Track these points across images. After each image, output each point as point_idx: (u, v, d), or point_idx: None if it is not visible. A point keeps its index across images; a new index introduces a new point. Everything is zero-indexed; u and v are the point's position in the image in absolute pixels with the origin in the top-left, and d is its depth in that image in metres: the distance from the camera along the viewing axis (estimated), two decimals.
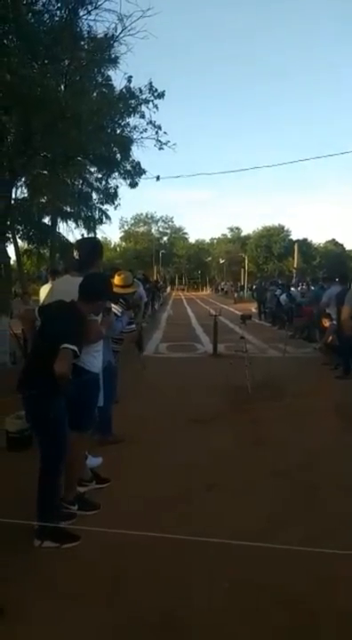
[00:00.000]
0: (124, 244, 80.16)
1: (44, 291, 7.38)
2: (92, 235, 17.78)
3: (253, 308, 22.85)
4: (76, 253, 3.60)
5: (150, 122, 13.48)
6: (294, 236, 65.03)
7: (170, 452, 4.75)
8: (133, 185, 14.58)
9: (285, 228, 72.64)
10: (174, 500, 3.70)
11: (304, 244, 62.76)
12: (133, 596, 2.58)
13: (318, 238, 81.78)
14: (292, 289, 18.73)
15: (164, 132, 13.83)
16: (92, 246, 3.77)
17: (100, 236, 23.82)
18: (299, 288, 18.57)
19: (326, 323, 9.16)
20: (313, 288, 13.99)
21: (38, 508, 3.03)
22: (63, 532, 3.02)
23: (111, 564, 2.83)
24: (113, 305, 4.33)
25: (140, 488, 3.91)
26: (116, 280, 5.05)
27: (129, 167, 14.22)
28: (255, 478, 4.13)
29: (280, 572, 2.74)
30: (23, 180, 14.34)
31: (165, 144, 13.85)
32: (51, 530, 2.95)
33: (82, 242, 4.33)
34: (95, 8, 10.40)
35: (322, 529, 3.24)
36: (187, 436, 5.30)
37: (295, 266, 39.12)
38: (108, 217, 18.28)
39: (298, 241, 49.04)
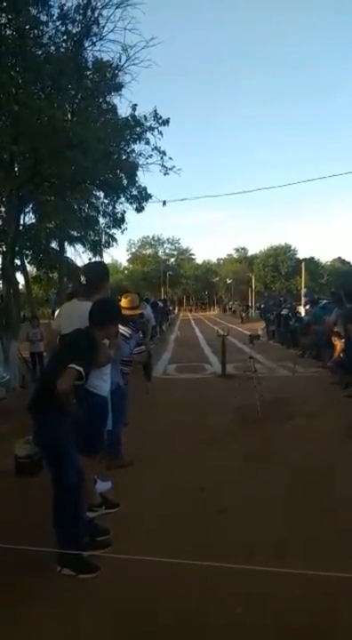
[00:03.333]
0: (131, 266, 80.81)
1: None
2: (98, 258, 17.95)
3: (261, 327, 22.82)
4: (82, 278, 3.64)
5: (155, 148, 13.71)
6: (301, 255, 65.24)
7: (180, 475, 4.71)
8: (140, 209, 14.73)
9: (292, 247, 73.10)
10: (185, 524, 3.65)
11: (311, 262, 62.86)
12: (144, 623, 2.54)
13: (325, 256, 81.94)
14: (300, 308, 18.70)
15: (170, 158, 14.05)
16: (98, 271, 3.81)
17: (108, 258, 24.07)
18: (307, 307, 18.54)
19: (337, 341, 9.12)
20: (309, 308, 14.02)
21: (57, 534, 3.01)
22: (83, 562, 2.99)
23: (119, 590, 2.79)
24: (121, 327, 4.36)
25: (150, 512, 3.88)
26: (123, 302, 5.09)
27: (135, 192, 14.40)
28: (267, 501, 4.07)
29: (294, 596, 2.68)
30: (31, 206, 14.58)
31: (170, 169, 14.07)
32: (71, 558, 2.93)
33: (88, 266, 4.38)
34: (100, 39, 10.72)
35: (336, 552, 3.18)
36: (197, 457, 5.26)
37: (303, 285, 39.09)
38: (115, 240, 18.43)
39: (305, 259, 49.12)
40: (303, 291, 28.80)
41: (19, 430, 4.82)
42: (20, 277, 17.62)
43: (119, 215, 15.78)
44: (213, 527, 3.64)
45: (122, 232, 16.85)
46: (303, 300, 21.47)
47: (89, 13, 10.13)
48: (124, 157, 13.56)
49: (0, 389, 7.46)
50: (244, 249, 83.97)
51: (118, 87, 12.62)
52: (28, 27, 9.28)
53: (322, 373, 10.59)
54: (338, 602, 2.63)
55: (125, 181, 13.91)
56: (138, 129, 12.99)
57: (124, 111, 13.82)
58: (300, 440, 5.82)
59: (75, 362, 2.83)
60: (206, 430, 6.22)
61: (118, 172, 13.29)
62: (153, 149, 13.62)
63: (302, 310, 17.41)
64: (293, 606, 2.62)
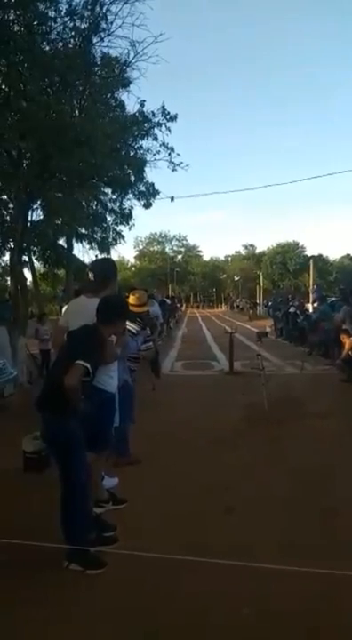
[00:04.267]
0: (138, 262, 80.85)
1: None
2: (106, 255, 17.95)
3: (269, 325, 22.73)
4: (90, 275, 3.63)
5: (163, 144, 13.70)
6: (309, 252, 64.92)
7: (187, 473, 4.70)
8: (147, 206, 14.73)
9: (300, 244, 72.74)
10: (192, 522, 3.64)
11: (319, 259, 62.51)
12: (149, 621, 2.53)
13: (334, 254, 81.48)
14: (308, 305, 18.61)
15: (177, 154, 14.03)
16: (106, 267, 3.80)
17: (115, 255, 24.06)
18: (315, 304, 18.44)
19: (345, 339, 9.06)
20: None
21: (65, 531, 3.01)
22: (91, 558, 2.99)
23: (126, 586, 2.79)
24: (129, 324, 4.35)
25: (158, 510, 3.87)
26: (131, 299, 5.07)
27: (143, 188, 14.39)
28: (274, 500, 4.05)
29: (301, 597, 2.66)
30: (39, 202, 14.60)
31: (178, 165, 14.05)
32: (79, 553, 2.94)
33: (96, 263, 4.38)
34: (108, 35, 10.68)
35: (343, 554, 3.15)
36: (203, 455, 5.25)
37: (311, 282, 38.85)
38: (122, 237, 18.44)
39: (313, 257, 48.85)
40: (311, 288, 28.62)
41: (27, 426, 4.82)
42: (27, 274, 17.69)
43: (127, 211, 15.79)
44: (219, 526, 3.62)
45: (129, 228, 16.87)
46: (311, 297, 21.38)
47: (97, 9, 10.10)
48: (131, 153, 13.55)
49: (8, 385, 7.48)
50: (252, 246, 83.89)
51: (126, 83, 12.60)
52: (36, 23, 9.27)
53: (330, 371, 10.53)
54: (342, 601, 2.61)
55: (133, 177, 13.91)
56: (146, 125, 12.98)
57: (131, 107, 13.82)
58: (308, 439, 5.79)
59: (82, 358, 2.82)
60: (213, 428, 6.20)
61: (126, 168, 13.28)
62: (161, 145, 13.61)
63: (310, 307, 17.33)
64: (298, 606, 2.60)
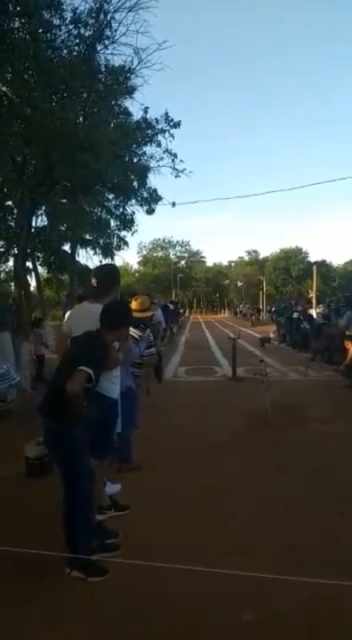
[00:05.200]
0: (142, 268, 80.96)
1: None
2: (109, 261, 18.00)
3: (272, 330, 22.69)
4: (93, 280, 3.63)
5: (166, 150, 13.79)
6: (313, 258, 64.85)
7: (190, 479, 4.69)
8: (150, 212, 14.81)
9: (303, 250, 72.74)
10: (194, 529, 3.63)
11: (323, 265, 62.41)
12: (148, 624, 2.52)
13: (337, 259, 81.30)
14: (312, 310, 18.58)
15: (181, 160, 14.12)
16: (108, 273, 3.80)
17: (119, 261, 24.11)
18: (319, 310, 18.43)
19: (349, 345, 9.03)
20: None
21: (67, 537, 3.00)
22: (93, 565, 2.98)
23: (127, 595, 2.77)
24: (132, 329, 4.35)
25: (160, 516, 3.85)
26: (134, 305, 5.06)
27: (146, 194, 14.48)
28: (276, 506, 4.03)
29: (303, 605, 2.64)
30: (43, 208, 14.68)
31: (181, 172, 14.12)
32: (80, 560, 2.92)
33: (99, 269, 4.38)
34: (112, 43, 10.77)
35: (347, 561, 3.13)
36: (207, 461, 5.23)
37: (314, 288, 38.79)
38: (125, 243, 18.49)
39: (316, 262, 48.79)
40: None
41: (29, 432, 4.83)
42: (31, 279, 17.74)
43: (129, 217, 15.86)
44: (222, 531, 3.60)
45: (132, 234, 16.95)
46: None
47: (101, 17, 10.21)
48: (135, 160, 13.63)
49: (11, 391, 7.48)
50: (255, 251, 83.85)
51: (130, 90, 12.69)
52: (40, 30, 9.35)
53: (334, 377, 10.49)
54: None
55: (136, 184, 13.98)
56: (149, 132, 13.06)
57: (136, 114, 13.91)
58: (311, 445, 5.76)
59: (84, 364, 2.82)
60: (216, 434, 6.18)
61: (129, 174, 13.35)
62: (164, 152, 13.69)
63: (314, 313, 17.30)
64: (298, 606, 2.59)
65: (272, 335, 20.52)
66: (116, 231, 17.75)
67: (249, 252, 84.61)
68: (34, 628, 2.48)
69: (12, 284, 13.00)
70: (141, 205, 14.97)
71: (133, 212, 15.80)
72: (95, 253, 19.26)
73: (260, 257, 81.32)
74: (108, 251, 18.45)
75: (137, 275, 76.73)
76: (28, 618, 2.56)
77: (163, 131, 13.35)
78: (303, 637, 2.46)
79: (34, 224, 13.75)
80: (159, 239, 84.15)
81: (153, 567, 2.70)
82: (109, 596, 2.77)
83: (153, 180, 19.48)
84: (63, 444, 2.99)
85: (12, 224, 13.71)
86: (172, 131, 13.47)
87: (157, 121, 13.09)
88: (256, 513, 3.90)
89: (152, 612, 2.63)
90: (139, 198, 14.62)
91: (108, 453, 3.72)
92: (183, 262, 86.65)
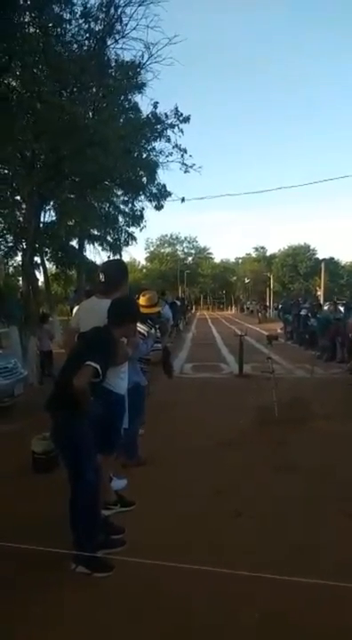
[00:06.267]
0: (149, 264, 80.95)
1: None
2: (117, 257, 18.01)
3: (279, 327, 22.61)
4: (101, 276, 3.62)
5: (176, 145, 13.73)
6: (320, 255, 64.53)
7: (196, 475, 4.68)
8: (159, 207, 14.79)
9: (311, 247, 72.36)
10: (200, 526, 3.63)
11: (331, 262, 62.10)
12: (156, 628, 2.52)
13: (345, 257, 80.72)
14: (325, 308, 18.44)
15: (190, 156, 14.05)
16: (117, 269, 3.79)
17: (126, 257, 24.14)
18: (326, 307, 18.29)
19: None
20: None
21: (74, 532, 3.01)
22: (98, 561, 2.99)
23: (129, 593, 2.77)
24: (139, 325, 4.34)
25: (166, 513, 3.85)
26: (142, 300, 5.04)
27: (155, 190, 14.45)
28: (283, 505, 4.01)
29: (311, 606, 2.63)
30: (51, 203, 14.71)
31: (191, 167, 14.06)
32: (86, 556, 2.93)
33: (107, 264, 4.36)
34: (122, 37, 10.73)
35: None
36: (213, 458, 5.22)
37: (322, 285, 38.65)
38: (134, 238, 18.51)
39: (324, 260, 48.56)
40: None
41: (36, 426, 4.85)
42: (39, 274, 17.79)
43: (138, 213, 15.85)
44: (227, 530, 3.60)
45: (140, 230, 16.96)
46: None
47: (112, 11, 10.17)
48: (144, 155, 13.59)
49: (18, 385, 7.51)
50: (262, 248, 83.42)
51: (140, 86, 12.64)
52: (51, 25, 9.33)
53: (341, 375, 10.45)
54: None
55: (145, 179, 13.95)
56: (158, 126, 13.01)
57: (145, 109, 13.87)
58: (318, 443, 5.74)
59: (92, 359, 2.83)
60: (222, 431, 6.17)
61: (138, 169, 13.32)
62: (173, 147, 13.64)
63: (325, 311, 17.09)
64: (311, 620, 2.58)
65: (280, 331, 20.45)
66: (125, 227, 17.76)
67: (256, 249, 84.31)
68: (34, 628, 2.48)
69: (21, 278, 13.05)
70: (150, 201, 14.96)
71: (143, 208, 15.79)
72: (103, 249, 19.32)
73: (268, 254, 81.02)
74: (115, 246, 18.47)
75: (144, 271, 76.71)
76: (28, 618, 2.57)
77: (172, 125, 13.29)
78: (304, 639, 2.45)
79: (42, 219, 13.78)
80: (166, 235, 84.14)
81: (156, 565, 2.70)
82: (111, 595, 2.77)
83: (162, 177, 19.45)
84: (70, 439, 3.00)
85: (21, 219, 13.76)
86: (182, 126, 13.42)
87: (167, 116, 13.05)
88: (262, 512, 3.89)
89: (154, 611, 2.63)
90: (147, 194, 14.60)
91: (115, 449, 3.73)
92: (190, 258, 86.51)
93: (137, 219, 15.98)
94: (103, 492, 3.54)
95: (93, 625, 2.52)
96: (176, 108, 13.21)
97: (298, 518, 3.77)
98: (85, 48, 10.33)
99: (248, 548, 3.28)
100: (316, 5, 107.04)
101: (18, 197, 13.82)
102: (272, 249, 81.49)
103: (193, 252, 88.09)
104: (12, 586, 2.82)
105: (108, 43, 10.75)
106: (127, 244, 18.87)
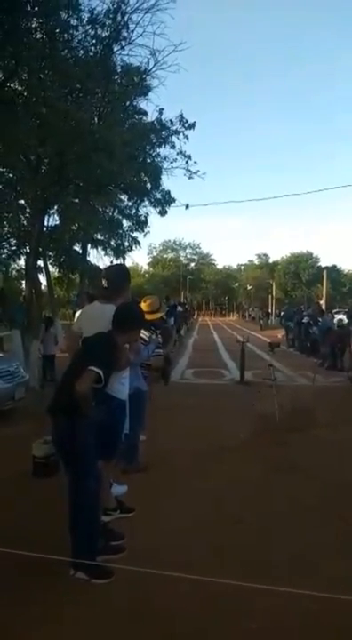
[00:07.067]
0: (152, 269, 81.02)
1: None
2: (120, 261, 18.04)
3: (280, 335, 22.59)
4: (104, 281, 3.62)
5: (180, 152, 13.78)
6: (323, 263, 64.54)
7: (196, 482, 4.66)
8: (163, 213, 14.81)
9: (314, 255, 72.43)
10: (200, 533, 3.60)
11: (333, 270, 62.12)
12: (151, 633, 2.49)
13: (348, 265, 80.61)
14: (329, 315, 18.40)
15: (194, 162, 14.10)
16: (119, 273, 3.79)
17: (129, 262, 24.14)
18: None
19: None
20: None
21: (73, 538, 2.99)
22: (97, 567, 2.96)
23: (130, 601, 2.75)
24: (142, 331, 4.33)
25: (166, 519, 3.83)
26: (144, 306, 5.03)
27: (159, 196, 14.47)
28: (285, 512, 3.99)
29: (310, 619, 2.61)
30: (56, 207, 14.74)
31: (195, 173, 14.11)
32: (86, 562, 2.91)
33: (109, 269, 4.36)
34: (129, 44, 10.80)
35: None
36: (213, 465, 5.20)
37: (325, 293, 38.66)
38: (137, 243, 18.52)
39: (327, 267, 48.60)
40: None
41: (37, 430, 4.84)
42: (42, 278, 17.82)
43: (142, 218, 15.89)
44: (227, 538, 3.56)
45: (144, 235, 16.98)
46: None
47: (119, 18, 10.22)
48: (148, 161, 13.63)
49: (19, 389, 7.50)
50: (265, 255, 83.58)
51: (145, 92, 12.71)
52: (57, 30, 9.39)
53: (343, 383, 10.42)
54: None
55: (149, 185, 13.99)
56: (164, 133, 13.06)
57: (150, 114, 13.93)
58: (319, 451, 5.71)
59: (94, 364, 2.82)
60: (223, 438, 6.15)
61: (143, 175, 13.37)
62: (178, 153, 13.69)
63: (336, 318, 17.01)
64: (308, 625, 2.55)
65: (280, 337, 20.43)
66: (128, 232, 17.79)
67: (259, 256, 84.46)
68: (34, 628, 2.47)
69: (24, 282, 13.07)
70: (154, 207, 14.99)
71: (147, 214, 15.83)
72: (106, 254, 19.34)
73: (271, 261, 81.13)
74: (119, 251, 18.49)
75: (146, 276, 76.78)
76: (27, 618, 2.55)
77: (177, 132, 13.35)
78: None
79: (46, 223, 13.80)
80: (169, 241, 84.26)
81: (155, 573, 2.68)
82: (110, 598, 2.75)
83: (166, 182, 19.51)
84: (71, 443, 2.98)
85: (25, 223, 13.80)
86: (187, 132, 13.48)
87: (172, 122, 13.10)
88: (263, 519, 3.86)
89: (153, 617, 2.61)
90: (152, 200, 14.63)
91: (115, 454, 3.71)
92: (193, 264, 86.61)
93: (141, 224, 16.01)
94: (103, 497, 3.53)
95: (89, 628, 2.50)
96: (181, 115, 13.28)
97: (298, 526, 3.75)
98: (91, 54, 10.39)
99: (248, 556, 3.25)
100: (317, 5, 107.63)
101: (22, 201, 13.89)
102: (275, 256, 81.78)
103: (196, 257, 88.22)
104: (11, 588, 2.79)
105: (115, 49, 10.82)
106: (131, 249, 18.90)
